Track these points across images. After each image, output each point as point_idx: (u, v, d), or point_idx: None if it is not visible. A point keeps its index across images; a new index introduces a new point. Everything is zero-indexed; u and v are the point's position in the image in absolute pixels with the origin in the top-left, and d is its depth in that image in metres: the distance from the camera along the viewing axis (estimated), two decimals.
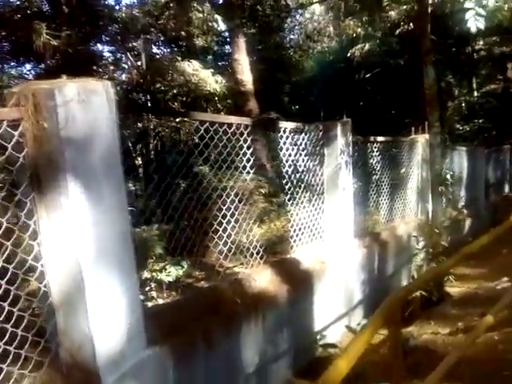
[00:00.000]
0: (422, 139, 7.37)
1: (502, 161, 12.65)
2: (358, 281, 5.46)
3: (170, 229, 5.56)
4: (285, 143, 4.23)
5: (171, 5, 10.22)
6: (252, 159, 3.76)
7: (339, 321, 4.95)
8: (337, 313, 4.89)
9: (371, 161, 6.13)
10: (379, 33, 10.87)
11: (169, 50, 11.93)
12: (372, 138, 5.96)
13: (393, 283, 6.28)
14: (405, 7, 7.08)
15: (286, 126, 4.22)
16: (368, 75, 15.77)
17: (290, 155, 4.33)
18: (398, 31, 8.25)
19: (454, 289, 6.10)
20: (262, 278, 3.89)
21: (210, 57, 12.75)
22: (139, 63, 10.69)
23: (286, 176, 4.31)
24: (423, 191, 7.42)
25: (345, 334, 4.84)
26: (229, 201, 3.56)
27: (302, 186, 4.57)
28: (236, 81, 11.65)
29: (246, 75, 11.55)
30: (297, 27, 14.12)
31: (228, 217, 3.57)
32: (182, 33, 10.90)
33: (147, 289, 5.21)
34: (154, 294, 5.26)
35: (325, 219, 5.08)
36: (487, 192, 10.81)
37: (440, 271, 3.84)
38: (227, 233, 3.60)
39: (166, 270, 5.48)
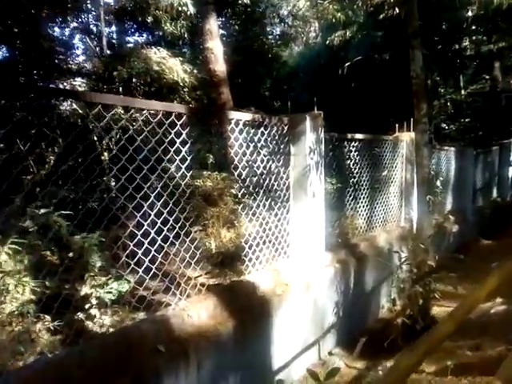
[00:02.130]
0: (406, 137, 6.56)
1: (491, 163, 11.95)
2: (329, 302, 4.63)
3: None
4: (237, 139, 3.35)
5: None
6: (189, 158, 2.89)
7: (306, 352, 4.13)
8: (303, 344, 4.06)
9: (348, 161, 5.30)
10: (360, 18, 10.00)
11: (137, 37, 10.99)
12: (349, 136, 5.13)
13: (371, 303, 5.47)
14: None
15: (239, 117, 3.34)
16: (351, 70, 15.03)
17: (244, 154, 3.45)
18: (381, 16, 7.42)
19: (440, 309, 5.31)
20: (201, 312, 3.02)
21: (180, 45, 11.83)
22: (102, 50, 9.72)
23: (240, 180, 3.44)
24: (407, 196, 6.63)
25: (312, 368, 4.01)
26: (147, 212, 2.69)
27: (261, 191, 3.71)
28: (208, 71, 10.76)
29: (219, 65, 10.66)
30: (269, 11, 13.13)
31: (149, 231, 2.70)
32: (149, 18, 9.93)
33: (87, 306, 4.38)
34: (95, 312, 4.42)
35: (290, 231, 4.24)
36: (475, 196, 10.09)
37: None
38: (150, 254, 2.73)
39: (107, 285, 4.66)
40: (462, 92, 17.03)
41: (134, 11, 9.85)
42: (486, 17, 11.41)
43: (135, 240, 2.74)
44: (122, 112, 3.74)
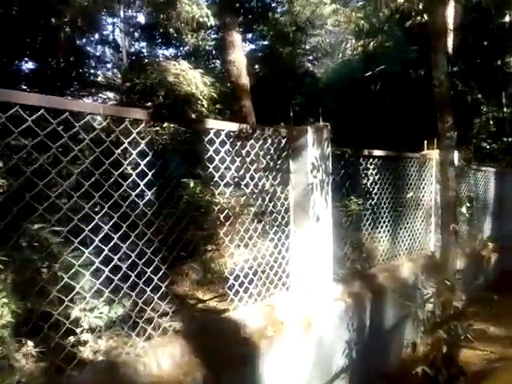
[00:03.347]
0: (437, 156, 5.86)
1: None
2: (339, 342, 3.99)
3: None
4: (217, 152, 2.83)
5: None
6: (151, 172, 2.40)
7: None
8: None
9: (365, 181, 4.68)
10: (385, 26, 9.33)
11: (161, 50, 10.81)
12: (366, 152, 4.51)
13: (391, 343, 4.77)
14: None
15: (220, 127, 2.83)
16: (386, 86, 14.34)
17: (227, 168, 2.93)
18: (408, 23, 6.78)
19: (473, 353, 4.55)
20: (163, 360, 2.49)
21: (203, 57, 11.57)
22: (122, 61, 9.55)
23: (221, 200, 2.91)
24: (438, 220, 5.89)
25: None
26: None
27: (251, 213, 3.17)
28: (230, 84, 10.41)
29: (241, 78, 10.29)
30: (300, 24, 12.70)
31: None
32: (171, 29, 9.69)
33: (79, 330, 3.93)
34: (88, 337, 3.96)
35: (290, 260, 3.66)
36: None
37: None
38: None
39: (98, 309, 4.20)
40: (505, 109, 15.97)
41: (156, 24, 9.63)
42: None
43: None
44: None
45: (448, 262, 3.68)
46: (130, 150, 2.27)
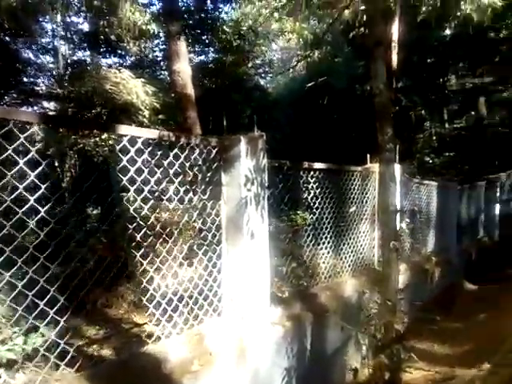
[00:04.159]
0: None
1: (476, 199, 11.20)
2: (277, 370, 3.69)
3: None
4: (133, 161, 2.48)
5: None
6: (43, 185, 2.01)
7: None
8: None
9: (306, 195, 4.45)
10: (328, 36, 9.34)
11: (103, 58, 10.28)
12: (306, 165, 4.29)
13: (335, 368, 4.52)
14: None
15: (137, 133, 2.48)
16: (333, 100, 14.47)
17: (145, 182, 2.58)
18: (352, 34, 6.76)
19: (417, 377, 4.37)
20: None
21: (146, 66, 11.12)
22: (59, 69, 8.97)
23: (134, 215, 2.55)
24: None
25: None
26: None
27: (175, 231, 2.83)
28: (175, 94, 10.04)
29: (186, 89, 9.95)
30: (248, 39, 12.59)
31: None
32: (112, 36, 9.23)
33: None
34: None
35: (223, 282, 3.34)
36: (460, 235, 9.25)
37: None
38: None
39: (11, 340, 3.66)
40: (447, 125, 16.55)
41: (97, 30, 9.14)
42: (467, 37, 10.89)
43: None
44: None
45: (389, 280, 3.48)
46: (16, 157, 1.89)
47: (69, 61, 9.79)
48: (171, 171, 2.74)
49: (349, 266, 5.21)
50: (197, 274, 3.08)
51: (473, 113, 17.94)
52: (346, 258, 5.16)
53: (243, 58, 15.15)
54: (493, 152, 15.18)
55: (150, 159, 2.57)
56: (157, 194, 2.71)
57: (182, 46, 9.92)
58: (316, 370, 4.13)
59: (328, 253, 4.83)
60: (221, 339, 3.15)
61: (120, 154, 2.39)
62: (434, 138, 17.17)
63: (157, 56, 10.41)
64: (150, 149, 2.58)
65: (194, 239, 3.04)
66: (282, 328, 3.73)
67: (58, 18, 9.34)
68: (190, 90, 9.99)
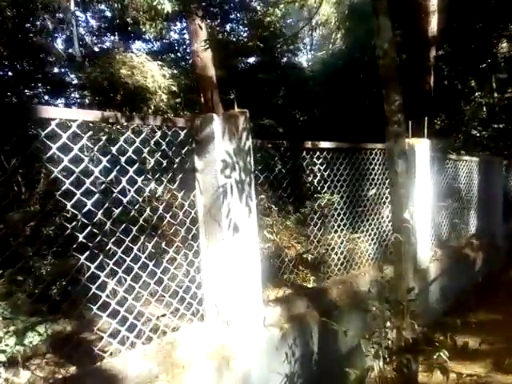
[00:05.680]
0: (418, 144, 5.11)
1: None
2: (275, 377, 3.27)
3: None
4: (66, 150, 2.08)
5: None
6: None
7: None
8: None
9: (311, 178, 3.94)
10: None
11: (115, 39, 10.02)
12: (310, 144, 3.76)
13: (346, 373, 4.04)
14: None
15: (66, 116, 2.08)
16: (369, 75, 13.56)
17: (87, 173, 2.19)
18: None
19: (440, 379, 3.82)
20: None
21: (164, 49, 10.77)
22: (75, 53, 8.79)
23: (74, 212, 2.17)
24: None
25: None
26: None
27: (133, 228, 2.44)
28: (195, 76, 9.67)
29: (206, 69, 9.57)
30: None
31: None
32: (128, 19, 8.92)
33: None
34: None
35: (204, 283, 2.94)
36: (507, 216, 8.32)
37: None
38: None
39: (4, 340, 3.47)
40: (495, 95, 15.19)
41: (113, 15, 8.86)
42: None
43: None
44: None
45: (399, 279, 2.94)
46: None
47: (92, 51, 9.61)
48: (123, 158, 2.34)
49: (369, 255, 4.67)
50: (167, 275, 2.69)
51: None
52: (362, 246, 4.62)
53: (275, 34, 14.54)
54: None
55: (91, 146, 2.17)
56: (104, 186, 2.31)
57: (200, 24, 9.51)
58: (327, 372, 3.67)
59: (340, 242, 4.30)
60: (198, 348, 2.77)
61: (48, 142, 2.01)
62: (484, 109, 15.83)
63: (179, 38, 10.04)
64: (90, 133, 2.18)
65: (159, 236, 2.63)
66: (279, 331, 3.30)
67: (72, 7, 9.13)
68: (211, 71, 9.60)
